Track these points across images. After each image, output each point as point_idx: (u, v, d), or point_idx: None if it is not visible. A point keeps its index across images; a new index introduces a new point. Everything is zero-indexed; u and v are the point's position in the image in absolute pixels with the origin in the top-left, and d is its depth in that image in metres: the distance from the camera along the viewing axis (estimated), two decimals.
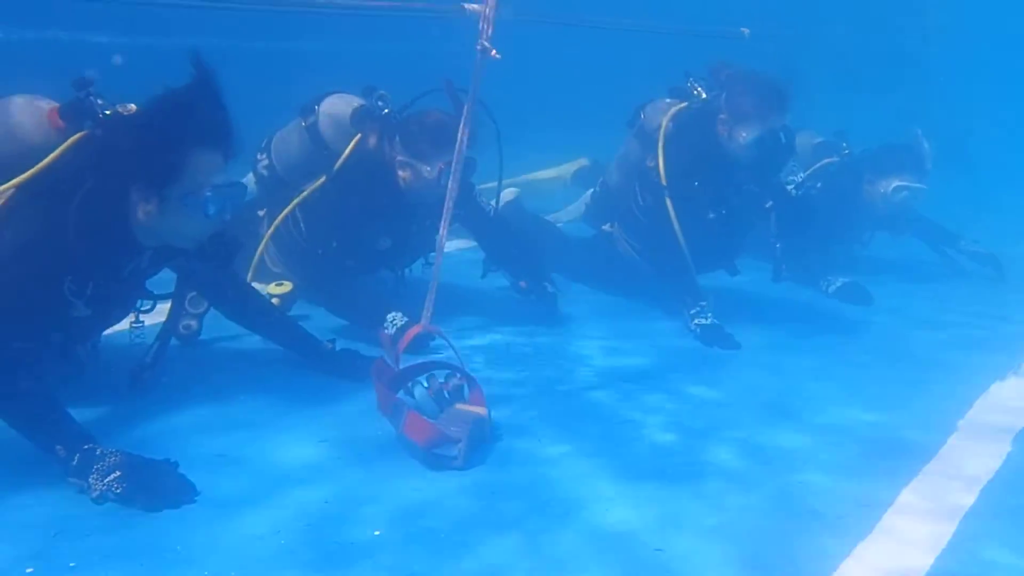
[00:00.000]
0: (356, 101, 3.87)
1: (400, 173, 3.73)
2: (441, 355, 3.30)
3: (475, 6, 3.14)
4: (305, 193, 3.84)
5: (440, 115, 3.67)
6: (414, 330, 3.09)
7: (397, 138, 3.73)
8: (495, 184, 4.07)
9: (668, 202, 4.07)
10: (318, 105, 3.91)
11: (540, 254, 4.40)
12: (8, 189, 2.62)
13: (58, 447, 2.37)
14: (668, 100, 4.35)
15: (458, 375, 2.99)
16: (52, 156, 2.64)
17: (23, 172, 2.65)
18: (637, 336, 4.06)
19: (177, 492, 2.37)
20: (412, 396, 2.94)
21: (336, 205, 3.79)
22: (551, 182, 6.40)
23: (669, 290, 4.25)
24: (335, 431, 2.86)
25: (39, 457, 2.41)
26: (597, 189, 5.02)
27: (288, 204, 3.88)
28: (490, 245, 4.25)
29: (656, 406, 3.23)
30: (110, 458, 2.36)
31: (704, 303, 4.08)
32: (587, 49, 8.42)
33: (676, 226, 4.07)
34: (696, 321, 4.02)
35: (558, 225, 5.37)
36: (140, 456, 2.43)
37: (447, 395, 2.94)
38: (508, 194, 5.01)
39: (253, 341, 3.44)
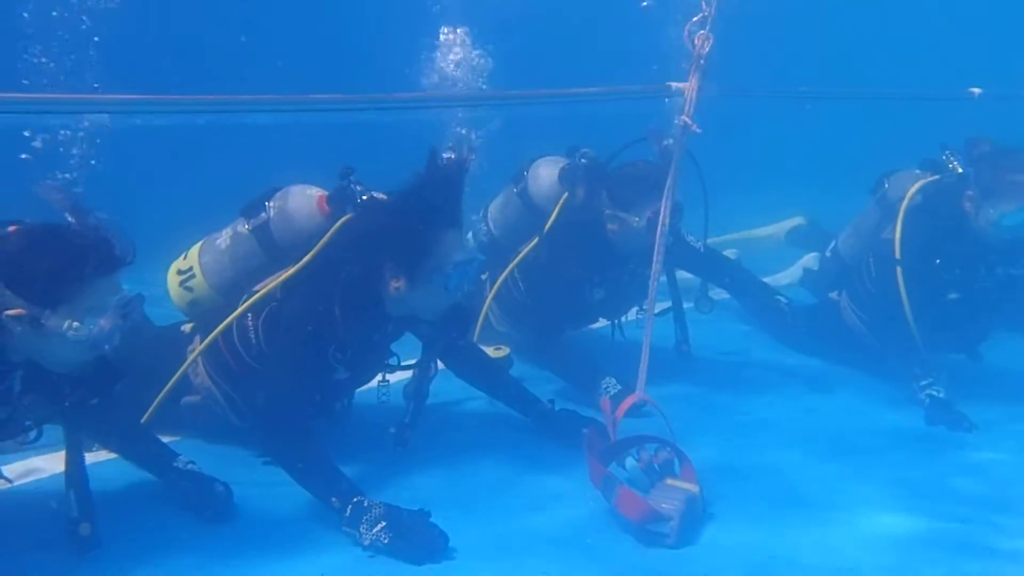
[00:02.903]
0: (562, 162, 4.05)
1: (609, 226, 3.83)
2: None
3: (681, 84, 3.22)
4: (522, 254, 4.04)
5: (644, 165, 3.78)
6: (629, 400, 3.12)
7: (604, 192, 3.83)
8: (704, 239, 4.09)
9: (899, 276, 3.82)
10: (526, 171, 4.14)
11: (760, 281, 4.38)
12: (292, 271, 3.00)
13: (333, 499, 2.67)
14: (918, 171, 4.11)
15: (668, 448, 2.98)
16: (323, 241, 3.00)
17: (297, 253, 3.03)
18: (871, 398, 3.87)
19: (434, 542, 2.58)
20: (623, 469, 2.95)
21: (550, 262, 3.95)
22: (765, 240, 6.23)
23: (896, 361, 3.97)
24: (553, 501, 2.94)
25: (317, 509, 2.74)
26: (827, 254, 4.82)
27: (507, 266, 4.09)
28: (708, 276, 4.24)
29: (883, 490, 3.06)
30: (375, 510, 2.62)
31: (934, 376, 3.78)
32: (804, 111, 8.26)
33: (905, 302, 3.80)
34: (927, 392, 3.73)
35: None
36: (400, 508, 2.66)
37: (657, 468, 2.93)
38: (727, 255, 4.96)
39: (479, 403, 3.63)
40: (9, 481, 2.74)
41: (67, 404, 2.50)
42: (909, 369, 3.86)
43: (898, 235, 3.87)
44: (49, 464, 3.00)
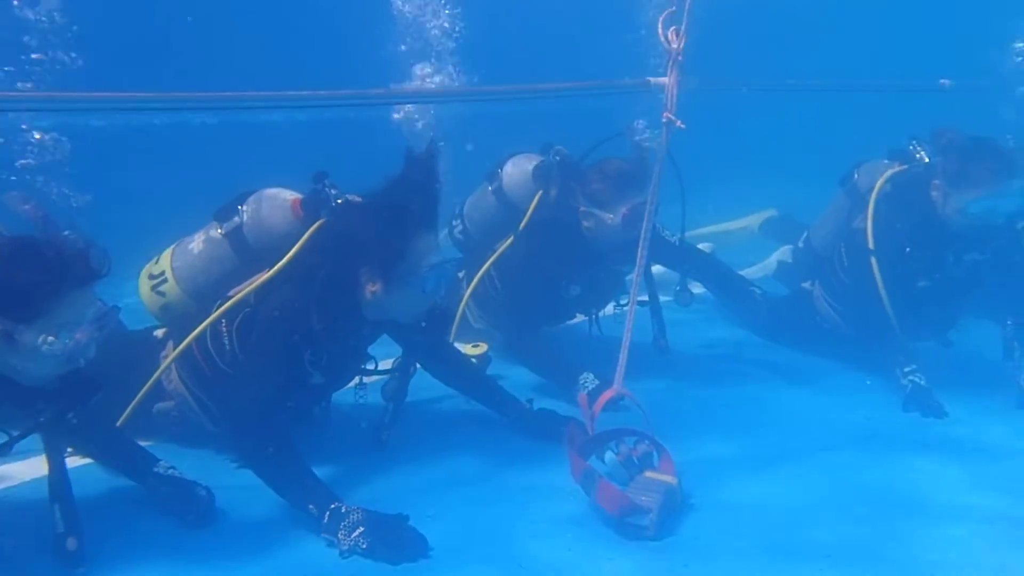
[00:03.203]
0: (536, 159, 4.06)
1: (584, 223, 3.84)
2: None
3: (661, 80, 3.22)
4: (498, 252, 4.05)
5: (618, 163, 3.79)
6: (607, 394, 3.13)
7: (578, 189, 3.84)
8: (680, 234, 4.13)
9: (874, 265, 3.87)
10: (501, 168, 4.14)
11: (735, 274, 4.42)
12: (266, 276, 2.97)
13: (310, 506, 2.66)
14: (886, 161, 4.17)
15: (646, 441, 2.99)
16: (298, 245, 2.96)
17: (272, 257, 3.00)
18: (848, 391, 3.89)
19: (412, 545, 2.57)
20: (603, 462, 2.97)
21: (526, 259, 3.96)
22: (739, 233, 6.28)
23: (875, 350, 4.01)
24: (532, 496, 2.95)
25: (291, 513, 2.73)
26: (800, 245, 4.87)
27: (483, 264, 4.09)
28: (684, 270, 4.27)
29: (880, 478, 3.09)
30: (353, 515, 2.61)
31: (916, 364, 3.84)
32: (774, 102, 8.34)
33: (882, 290, 3.85)
34: (910, 378, 3.78)
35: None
36: (378, 512, 2.66)
37: (636, 461, 2.95)
38: (702, 248, 4.99)
39: (457, 401, 3.63)
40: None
41: (42, 420, 2.45)
42: (891, 356, 3.90)
43: (870, 225, 3.92)
44: (20, 470, 2.97)
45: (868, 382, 4.01)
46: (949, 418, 3.64)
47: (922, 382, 3.76)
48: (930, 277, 3.86)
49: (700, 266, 4.32)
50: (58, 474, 2.52)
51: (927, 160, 3.99)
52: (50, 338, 2.25)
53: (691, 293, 4.22)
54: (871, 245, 3.89)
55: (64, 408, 2.45)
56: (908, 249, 3.86)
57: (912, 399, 3.72)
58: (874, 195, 3.97)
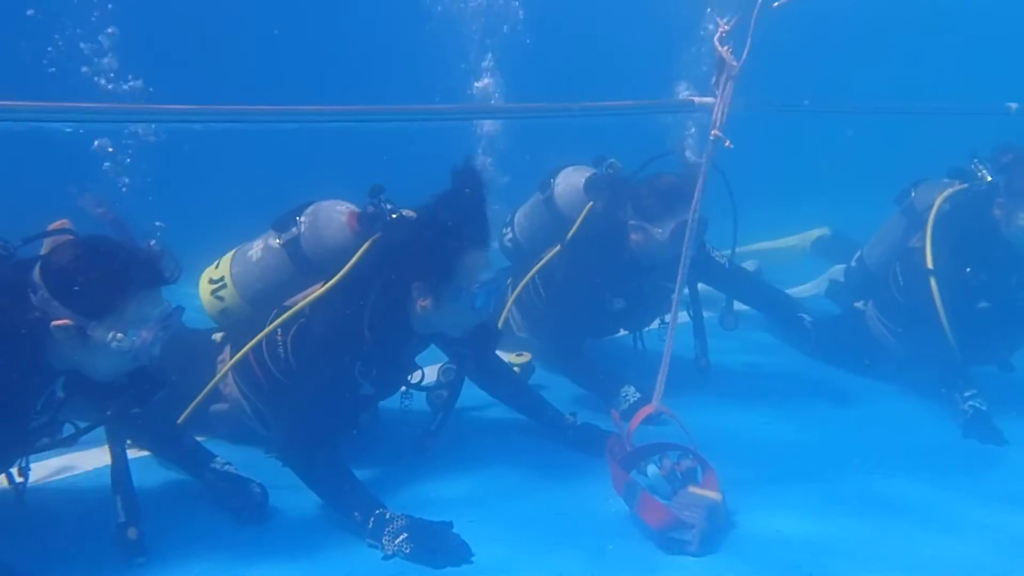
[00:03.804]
0: (589, 171, 4.08)
1: (632, 236, 3.84)
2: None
3: (707, 99, 3.20)
4: (543, 260, 4.07)
5: (671, 178, 3.79)
6: (645, 410, 3.13)
7: (628, 202, 3.86)
8: (730, 252, 4.09)
9: (933, 285, 3.79)
10: (554, 179, 4.18)
11: (786, 296, 4.36)
12: (322, 289, 3.05)
13: (356, 513, 2.72)
14: (945, 180, 4.10)
15: (691, 456, 2.99)
16: (353, 260, 3.03)
17: (328, 268, 3.08)
18: (901, 415, 3.83)
19: (455, 552, 2.62)
20: (645, 475, 2.97)
21: (571, 270, 3.98)
22: (790, 251, 6.22)
23: (933, 374, 3.93)
24: (574, 507, 2.97)
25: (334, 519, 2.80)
26: (852, 264, 4.80)
27: (529, 272, 4.11)
28: (734, 293, 4.24)
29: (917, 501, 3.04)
30: (397, 521, 2.67)
31: (976, 389, 3.75)
32: (830, 121, 8.25)
33: (941, 311, 3.76)
34: (970, 403, 3.69)
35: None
36: (422, 519, 2.71)
37: (680, 476, 2.94)
38: (748, 266, 4.95)
39: (499, 410, 3.67)
40: (14, 484, 2.73)
41: (109, 414, 2.57)
42: (950, 380, 3.82)
43: (928, 244, 3.84)
44: (82, 460, 3.09)
45: (923, 406, 3.92)
46: (1008, 445, 3.55)
47: (983, 407, 3.67)
48: (992, 298, 3.78)
49: (749, 291, 4.28)
50: (120, 466, 2.63)
51: (989, 179, 3.91)
52: (119, 335, 2.34)
53: (736, 317, 4.16)
54: (930, 265, 3.82)
55: (130, 403, 2.55)
56: (968, 269, 3.77)
57: (972, 425, 3.64)
58: (933, 213, 3.90)
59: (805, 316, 4.18)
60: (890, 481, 3.22)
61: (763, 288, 4.35)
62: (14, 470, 2.69)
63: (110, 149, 5.66)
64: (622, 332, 4.29)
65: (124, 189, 5.72)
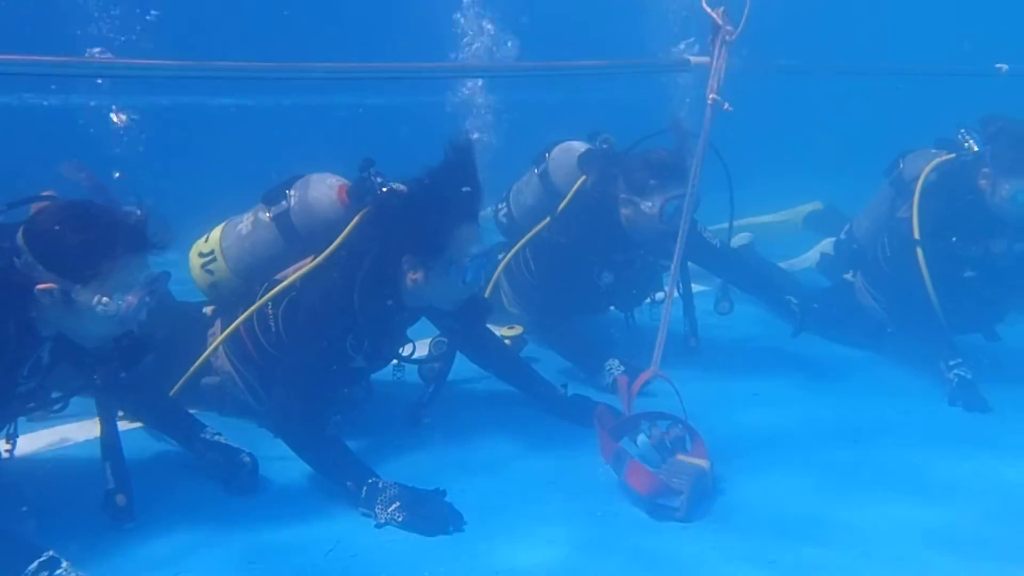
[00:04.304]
0: (583, 146, 4.07)
1: (622, 210, 3.84)
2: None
3: (704, 59, 3.16)
4: (532, 233, 4.08)
5: (662, 153, 3.78)
6: (645, 375, 3.15)
7: (620, 177, 3.86)
8: (726, 226, 4.08)
9: (920, 255, 3.81)
10: (548, 153, 4.17)
11: (777, 274, 4.31)
12: (313, 263, 3.04)
13: (348, 482, 2.75)
14: (933, 150, 4.10)
15: (680, 425, 3.02)
16: (343, 234, 3.03)
17: (318, 242, 3.08)
18: (889, 384, 3.85)
19: (447, 519, 2.64)
20: (635, 444, 2.99)
21: (559, 242, 3.98)
22: (782, 225, 6.22)
23: (919, 343, 3.96)
24: (565, 476, 3.00)
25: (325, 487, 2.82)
26: (842, 236, 4.81)
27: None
28: (723, 275, 4.24)
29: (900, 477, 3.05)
30: (390, 490, 2.70)
31: (961, 358, 3.78)
32: (822, 94, 8.20)
33: (927, 281, 3.79)
34: (955, 372, 3.71)
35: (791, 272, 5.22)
36: (414, 488, 2.73)
37: (669, 444, 2.97)
38: (741, 239, 4.94)
39: (490, 383, 3.68)
40: (8, 451, 2.75)
41: (96, 378, 2.58)
42: (936, 349, 3.84)
43: (915, 213, 3.86)
44: (75, 432, 3.11)
45: (907, 376, 3.95)
46: (993, 413, 3.58)
47: (968, 376, 3.70)
48: (977, 268, 3.80)
49: (739, 272, 4.26)
50: (110, 435, 2.65)
51: (976, 149, 3.91)
52: (104, 299, 2.35)
53: (731, 303, 4.14)
54: (916, 235, 3.83)
55: (117, 368, 2.57)
56: (954, 239, 3.79)
57: (957, 393, 3.67)
58: (920, 183, 3.90)
59: (792, 299, 4.14)
60: (876, 449, 3.25)
61: (753, 269, 4.33)
62: (2, 441, 2.70)
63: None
64: (612, 310, 4.29)
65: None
